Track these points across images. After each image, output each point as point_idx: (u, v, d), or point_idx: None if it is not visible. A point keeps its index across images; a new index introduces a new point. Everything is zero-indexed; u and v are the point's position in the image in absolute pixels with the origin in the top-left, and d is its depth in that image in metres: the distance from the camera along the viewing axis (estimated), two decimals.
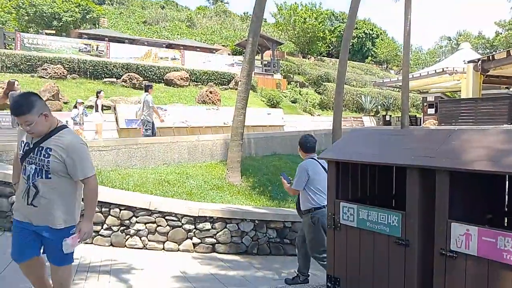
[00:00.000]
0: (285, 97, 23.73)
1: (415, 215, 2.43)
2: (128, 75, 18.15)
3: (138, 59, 21.21)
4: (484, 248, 2.12)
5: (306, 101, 24.64)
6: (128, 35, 29.97)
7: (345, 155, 2.88)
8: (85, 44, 20.83)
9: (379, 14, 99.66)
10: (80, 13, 27.92)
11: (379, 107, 26.26)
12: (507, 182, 2.56)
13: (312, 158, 4.24)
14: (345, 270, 2.85)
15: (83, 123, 11.32)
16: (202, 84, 20.82)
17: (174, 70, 20.24)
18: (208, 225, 5.37)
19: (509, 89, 20.87)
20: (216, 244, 5.41)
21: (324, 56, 39.75)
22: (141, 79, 18.43)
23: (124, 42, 25.13)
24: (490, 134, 2.42)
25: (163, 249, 5.29)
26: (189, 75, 20.45)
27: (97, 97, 11.97)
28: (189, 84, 20.27)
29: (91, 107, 14.67)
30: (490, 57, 15.34)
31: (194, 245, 5.35)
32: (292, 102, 23.63)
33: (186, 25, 40.26)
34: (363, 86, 30.00)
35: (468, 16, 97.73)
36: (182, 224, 5.31)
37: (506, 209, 2.66)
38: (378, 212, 2.64)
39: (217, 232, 5.41)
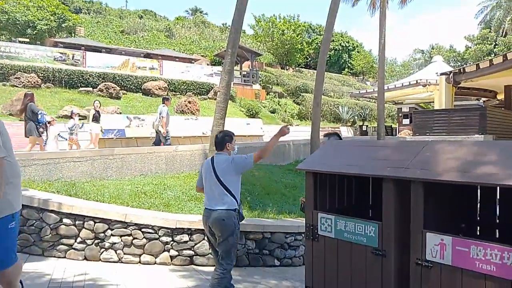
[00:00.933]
0: (264, 107, 23.88)
1: (391, 225, 2.46)
2: (105, 84, 17.87)
3: (115, 69, 20.96)
4: (458, 258, 2.16)
5: (285, 111, 24.87)
6: (105, 44, 29.58)
7: (322, 166, 2.90)
8: (61, 53, 20.43)
9: (356, 26, 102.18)
10: (55, 21, 27.39)
11: (356, 117, 26.76)
12: (478, 192, 2.63)
13: (212, 156, 3.97)
14: (323, 281, 2.85)
15: (77, 134, 11.33)
16: (180, 94, 20.72)
17: (152, 80, 20.09)
18: (186, 237, 5.28)
19: (479, 100, 21.66)
20: (194, 256, 5.32)
21: (302, 68, 40.35)
22: (118, 88, 18.18)
23: (101, 51, 24.78)
24: (462, 145, 2.49)
25: (139, 262, 5.16)
26: (168, 85, 20.34)
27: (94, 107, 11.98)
28: (167, 94, 20.13)
29: (65, 116, 14.37)
30: (461, 70, 15.92)
31: (172, 257, 5.24)
32: (271, 112, 23.80)
33: (165, 35, 40.11)
34: (340, 97, 30.53)
35: (440, 30, 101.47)
36: (159, 236, 5.21)
37: (478, 218, 2.73)
38: (355, 222, 2.66)
39: (195, 244, 5.32)
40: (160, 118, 9.81)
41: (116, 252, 5.11)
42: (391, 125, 23.97)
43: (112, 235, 5.11)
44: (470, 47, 46.81)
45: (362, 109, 27.70)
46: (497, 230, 2.65)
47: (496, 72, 14.21)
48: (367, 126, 23.62)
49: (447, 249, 2.20)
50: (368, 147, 3.02)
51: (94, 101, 12.02)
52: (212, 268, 5.30)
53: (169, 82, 20.65)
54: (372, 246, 2.54)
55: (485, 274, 2.05)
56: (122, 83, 18.95)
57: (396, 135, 20.03)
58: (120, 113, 15.87)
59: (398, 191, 2.46)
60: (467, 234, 2.58)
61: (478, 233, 2.71)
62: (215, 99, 15.09)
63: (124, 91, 18.81)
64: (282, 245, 5.77)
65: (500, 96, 19.18)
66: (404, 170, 2.42)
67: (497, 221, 2.63)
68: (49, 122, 10.28)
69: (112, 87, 17.89)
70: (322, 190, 3.00)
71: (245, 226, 5.69)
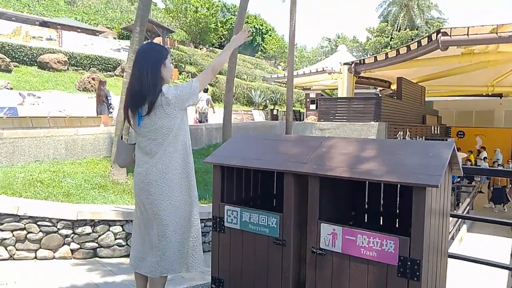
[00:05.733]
0: None
1: (291, 217, 2.64)
2: None
3: (4, 37, 18.46)
4: (346, 246, 2.41)
5: None
6: None
7: (230, 160, 2.97)
8: None
9: (269, 11, 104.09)
10: None
11: (268, 101, 27.55)
12: (367, 184, 2.95)
13: None
14: (228, 272, 2.96)
15: None
16: (83, 69, 19.15)
17: (50, 52, 18.20)
18: (88, 229, 5.02)
19: (376, 89, 23.83)
20: (98, 249, 5.10)
21: (216, 48, 39.95)
22: (8, 60, 16.13)
23: None
24: (354, 142, 2.75)
25: (35, 258, 4.78)
26: (68, 59, 18.62)
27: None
28: (67, 69, 18.46)
29: None
30: (361, 61, 17.27)
31: (72, 251, 4.95)
32: None
33: (65, 1, 36.32)
34: (253, 80, 31.08)
35: (346, 20, 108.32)
36: (58, 229, 4.86)
37: (366, 206, 3.06)
38: (259, 214, 2.79)
39: (99, 236, 5.09)
40: (208, 103, 13.23)
41: (6, 249, 4.66)
42: (300, 110, 25.21)
43: (1, 230, 4.63)
44: (371, 39, 50.90)
45: (273, 93, 28.57)
46: (381, 217, 3.01)
47: (390, 64, 15.74)
48: (277, 110, 24.50)
49: (338, 238, 2.44)
50: (273, 141, 3.16)
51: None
52: (119, 260, 5.14)
53: (70, 55, 18.92)
54: (274, 236, 2.71)
55: (368, 259, 2.33)
56: (13, 54, 16.84)
57: (304, 119, 21.13)
58: (11, 88, 14.14)
59: (298, 184, 2.64)
60: (357, 222, 2.89)
61: (366, 220, 3.05)
62: (122, 76, 14.25)
63: (16, 64, 16.76)
64: None
65: (393, 87, 21.31)
66: (303, 165, 2.60)
67: (381, 209, 2.99)
68: None
69: (1, 58, 15.80)
70: (229, 182, 3.08)
71: None
